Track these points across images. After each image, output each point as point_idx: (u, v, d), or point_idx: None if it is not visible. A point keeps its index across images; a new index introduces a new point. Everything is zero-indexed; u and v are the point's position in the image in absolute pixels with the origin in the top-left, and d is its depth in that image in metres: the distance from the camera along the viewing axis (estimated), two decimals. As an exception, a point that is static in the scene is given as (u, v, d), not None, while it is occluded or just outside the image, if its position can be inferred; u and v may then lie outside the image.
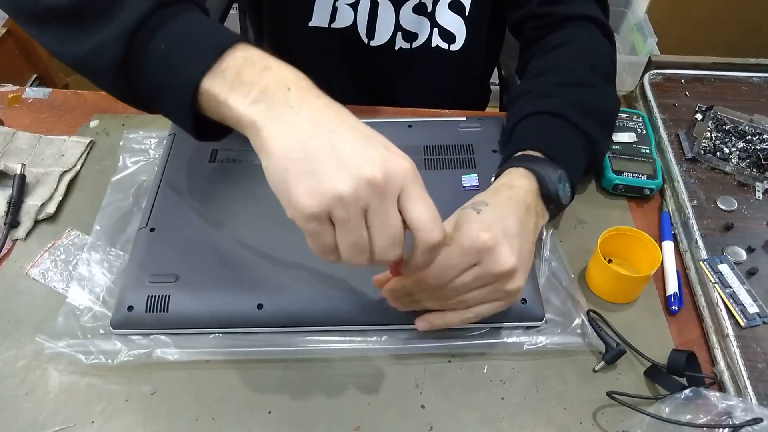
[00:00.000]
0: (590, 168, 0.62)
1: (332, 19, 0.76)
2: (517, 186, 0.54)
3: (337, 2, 0.74)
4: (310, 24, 0.76)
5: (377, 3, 0.74)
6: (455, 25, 0.77)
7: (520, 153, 0.58)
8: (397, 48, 0.78)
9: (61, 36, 0.48)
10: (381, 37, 0.77)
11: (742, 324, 0.54)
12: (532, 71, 0.68)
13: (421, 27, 0.77)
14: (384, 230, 0.39)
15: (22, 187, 0.63)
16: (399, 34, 0.77)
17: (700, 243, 0.60)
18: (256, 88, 0.41)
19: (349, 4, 0.75)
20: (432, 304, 0.50)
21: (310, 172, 0.38)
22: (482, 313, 0.50)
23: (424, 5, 0.75)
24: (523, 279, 0.49)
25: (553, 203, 0.55)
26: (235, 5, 1.01)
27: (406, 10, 0.75)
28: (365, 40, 0.78)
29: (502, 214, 0.50)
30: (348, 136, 0.39)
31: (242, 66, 0.42)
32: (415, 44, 0.78)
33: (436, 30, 0.77)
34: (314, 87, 0.43)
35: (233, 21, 1.00)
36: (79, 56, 0.47)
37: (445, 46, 0.78)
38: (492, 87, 0.98)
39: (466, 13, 0.76)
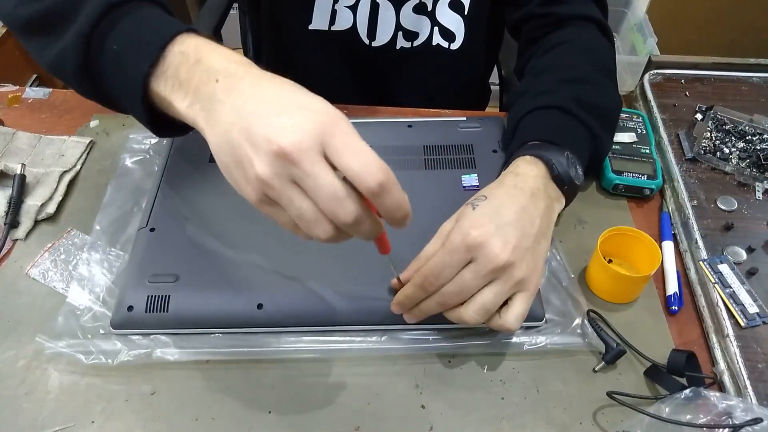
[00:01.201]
0: (593, 164, 0.62)
1: (332, 21, 0.76)
2: (522, 173, 0.54)
3: (336, 5, 0.74)
4: (310, 27, 0.76)
5: (377, 4, 0.75)
6: (455, 23, 0.77)
7: (524, 145, 0.58)
8: (398, 48, 0.78)
9: (38, 43, 0.50)
10: (382, 37, 0.78)
11: (742, 324, 0.54)
12: (532, 70, 0.68)
13: (422, 26, 0.77)
14: (320, 193, 0.37)
15: (22, 187, 0.63)
16: (400, 33, 0.77)
17: (700, 243, 0.60)
18: (190, 88, 0.42)
19: (349, 7, 0.75)
20: (438, 310, 0.50)
21: (238, 162, 0.38)
22: (498, 312, 0.49)
23: (425, 5, 0.75)
24: (527, 267, 0.48)
25: (566, 185, 0.55)
26: (235, 5, 1.01)
27: (407, 9, 0.75)
28: (366, 41, 0.78)
29: (500, 206, 0.50)
30: (258, 112, 0.38)
31: (179, 63, 0.43)
32: (416, 43, 0.78)
33: (436, 29, 0.77)
34: (243, 64, 0.42)
35: (233, 21, 0.99)
36: (51, 62, 0.49)
37: (445, 44, 0.78)
38: (492, 87, 0.98)
39: (466, 12, 0.76)
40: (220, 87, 0.40)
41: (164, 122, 0.47)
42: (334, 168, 0.37)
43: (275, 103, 0.38)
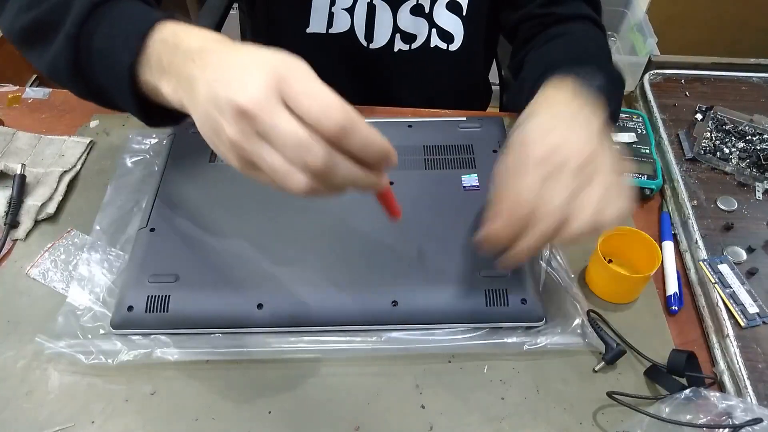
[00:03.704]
0: (617, 95, 0.61)
1: (329, 24, 0.76)
2: (551, 95, 0.53)
3: (333, 7, 0.75)
4: (308, 30, 0.76)
5: (374, 6, 0.75)
6: (453, 25, 0.77)
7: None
8: (396, 50, 0.78)
9: (35, 51, 0.52)
10: (379, 39, 0.77)
11: (742, 324, 0.54)
12: (530, 60, 0.69)
13: (419, 28, 0.77)
14: (285, 142, 0.36)
15: (22, 187, 0.63)
16: (397, 36, 0.77)
17: (700, 243, 0.60)
18: (173, 72, 0.43)
19: (346, 9, 0.75)
20: (541, 243, 0.45)
21: (215, 131, 0.38)
22: (604, 211, 0.44)
23: (422, 6, 0.75)
24: (609, 153, 0.46)
25: (603, 95, 0.53)
26: (235, 5, 1.01)
27: (404, 12, 0.75)
28: (364, 44, 0.78)
29: (556, 113, 0.49)
30: (222, 76, 0.38)
31: (160, 51, 0.44)
32: (414, 45, 0.78)
33: (434, 30, 0.77)
34: (215, 40, 0.42)
35: (233, 21, 0.99)
36: (48, 67, 0.51)
37: (444, 46, 0.78)
38: (492, 87, 0.98)
39: (464, 14, 0.76)
40: (195, 66, 0.41)
41: (159, 113, 0.48)
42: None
43: (237, 66, 0.38)
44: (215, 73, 0.39)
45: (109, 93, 0.49)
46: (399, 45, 0.78)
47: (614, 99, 0.59)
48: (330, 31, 0.76)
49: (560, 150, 0.44)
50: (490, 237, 0.46)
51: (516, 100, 0.66)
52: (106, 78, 0.47)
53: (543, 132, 0.46)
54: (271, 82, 0.36)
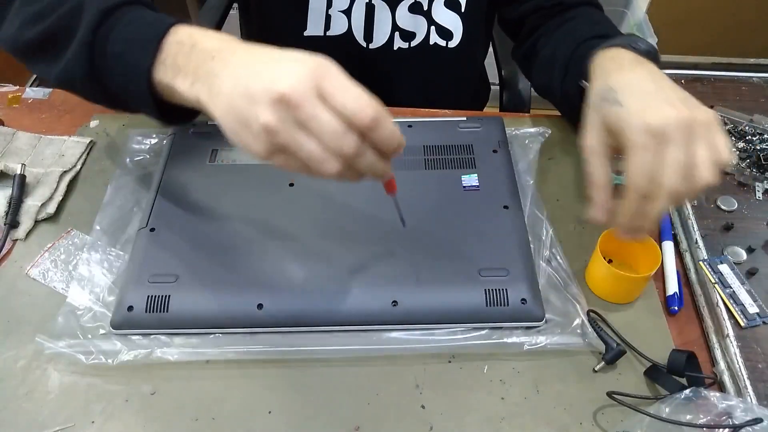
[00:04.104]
0: None
1: (327, 27, 0.76)
2: (617, 61, 0.54)
3: (330, 10, 0.75)
4: (306, 33, 0.76)
5: (373, 6, 0.75)
6: (452, 22, 0.77)
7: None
8: (395, 48, 0.78)
9: (45, 61, 0.54)
10: (379, 39, 0.78)
11: (742, 324, 0.54)
12: (553, 41, 0.70)
13: (418, 26, 0.77)
14: (323, 130, 0.40)
15: (22, 187, 0.63)
16: (396, 34, 0.77)
17: (700, 243, 0.60)
18: (190, 70, 0.46)
19: (342, 11, 0.75)
20: (668, 206, 0.47)
21: (244, 121, 0.41)
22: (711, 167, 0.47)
23: (420, 4, 0.75)
24: (701, 107, 0.48)
25: (653, 59, 0.55)
26: (235, 5, 1.01)
27: (402, 10, 0.75)
28: (363, 44, 0.78)
29: (631, 84, 0.50)
30: (253, 70, 0.41)
31: (176, 52, 0.47)
32: (414, 43, 0.78)
33: (433, 28, 0.78)
34: (232, 41, 0.45)
35: (233, 21, 0.99)
36: (59, 76, 0.53)
37: (443, 43, 0.79)
38: (492, 87, 0.98)
39: (462, 10, 0.76)
40: (216, 63, 0.44)
41: (171, 111, 0.51)
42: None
43: (267, 61, 0.42)
44: (243, 68, 0.42)
45: (125, 95, 0.51)
46: (398, 43, 0.78)
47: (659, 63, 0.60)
48: (328, 33, 0.76)
49: (664, 120, 0.46)
50: (619, 217, 0.48)
51: (546, 78, 0.69)
52: (123, 81, 0.49)
53: (638, 107, 0.47)
54: (311, 75, 0.40)
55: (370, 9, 0.75)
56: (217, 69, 0.43)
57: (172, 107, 0.50)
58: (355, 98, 0.40)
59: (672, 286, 0.58)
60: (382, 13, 0.75)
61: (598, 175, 0.50)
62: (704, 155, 0.46)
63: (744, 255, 0.60)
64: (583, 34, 0.65)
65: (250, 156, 0.42)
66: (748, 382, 0.50)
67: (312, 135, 0.40)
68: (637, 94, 0.49)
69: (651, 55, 0.56)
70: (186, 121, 0.54)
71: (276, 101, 0.39)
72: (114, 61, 0.49)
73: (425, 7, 0.76)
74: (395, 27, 0.77)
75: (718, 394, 0.48)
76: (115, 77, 0.50)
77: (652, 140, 0.46)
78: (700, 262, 0.59)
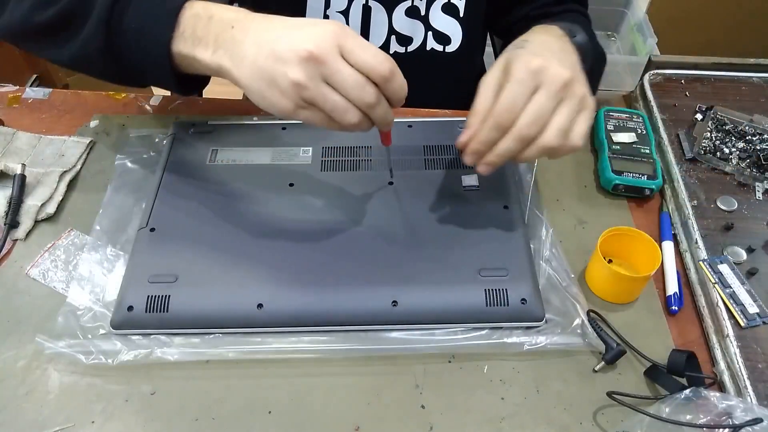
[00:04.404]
0: (597, 69, 0.69)
1: None
2: (538, 31, 0.59)
3: (327, 10, 0.75)
4: None
5: (369, 8, 0.74)
6: (450, 27, 0.77)
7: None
8: (391, 52, 0.78)
9: (56, 43, 0.56)
10: (375, 41, 0.77)
11: (742, 324, 0.54)
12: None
13: (416, 31, 0.77)
14: (347, 83, 0.45)
15: (22, 187, 0.63)
16: (393, 38, 0.77)
17: (700, 243, 0.60)
18: (210, 40, 0.50)
19: (341, 12, 0.75)
20: (528, 152, 0.51)
21: (271, 80, 0.46)
22: (569, 133, 0.51)
23: (417, 9, 0.75)
24: (584, 85, 0.52)
25: (582, 50, 0.58)
26: (236, 5, 1.01)
27: (399, 13, 0.75)
28: None
29: (544, 43, 0.55)
30: (275, 34, 0.46)
31: (194, 24, 0.50)
32: (411, 48, 0.78)
33: (430, 33, 0.77)
34: (247, 12, 0.50)
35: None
36: (74, 56, 0.55)
37: (440, 48, 0.79)
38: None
39: (461, 15, 0.76)
40: (236, 31, 0.48)
41: (185, 82, 0.54)
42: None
43: (288, 26, 0.47)
44: (265, 33, 0.47)
45: (142, 69, 0.54)
46: (395, 47, 0.78)
47: (592, 62, 0.64)
48: None
49: (542, 71, 0.49)
50: (471, 140, 0.52)
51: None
52: (142, 55, 0.52)
53: (529, 55, 0.51)
54: (333, 35, 0.45)
55: (366, 11, 0.75)
56: (239, 37, 0.48)
57: (186, 78, 0.54)
58: (374, 54, 0.46)
59: (672, 286, 0.58)
60: (379, 15, 0.75)
61: (480, 104, 0.51)
62: (562, 120, 0.50)
63: (744, 255, 0.60)
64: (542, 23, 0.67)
65: (278, 112, 0.47)
66: (748, 382, 0.50)
67: (336, 88, 0.45)
68: (540, 48, 0.54)
69: (581, 47, 0.59)
70: (198, 89, 0.59)
71: (304, 59, 0.44)
72: (132, 36, 0.52)
73: (423, 12, 0.76)
74: (392, 30, 0.76)
75: (718, 394, 0.48)
76: (133, 52, 0.52)
77: (527, 77, 0.49)
78: (700, 262, 0.59)
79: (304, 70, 0.44)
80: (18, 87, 0.78)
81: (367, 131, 0.50)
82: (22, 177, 0.64)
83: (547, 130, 0.50)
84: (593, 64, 0.64)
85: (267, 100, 0.47)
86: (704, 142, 0.70)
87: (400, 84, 0.48)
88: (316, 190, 0.63)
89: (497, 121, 0.50)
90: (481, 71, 0.95)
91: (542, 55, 0.51)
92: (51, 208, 0.63)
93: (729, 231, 0.62)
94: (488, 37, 0.95)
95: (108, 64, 0.54)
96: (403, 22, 0.76)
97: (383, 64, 0.46)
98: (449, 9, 0.76)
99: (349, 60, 0.45)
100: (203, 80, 0.58)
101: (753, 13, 1.69)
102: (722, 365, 0.53)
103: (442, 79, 0.83)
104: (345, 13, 0.75)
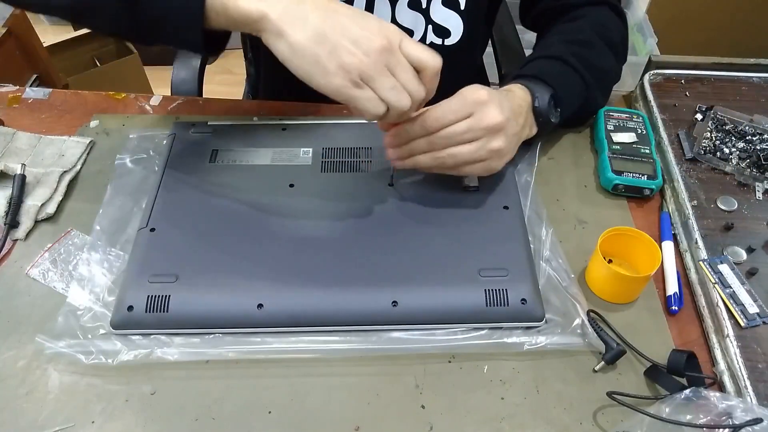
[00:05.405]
0: (582, 114, 0.73)
1: None
2: (513, 91, 0.64)
3: None
4: None
5: (373, 1, 0.75)
6: (450, 20, 0.77)
7: (520, 77, 0.67)
8: None
9: None
10: None
11: (742, 324, 0.54)
12: (542, 39, 0.76)
13: (417, 24, 0.77)
14: (405, 72, 0.51)
15: (22, 187, 0.63)
16: None
17: (700, 243, 0.60)
18: None
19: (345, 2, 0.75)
20: (425, 157, 0.58)
21: (332, 52, 0.49)
22: (464, 166, 0.58)
23: (419, 2, 0.75)
24: (508, 144, 0.58)
25: (541, 117, 0.65)
26: None
27: (402, 5, 0.76)
28: None
29: (500, 96, 0.59)
30: (349, 15, 0.51)
31: None
32: None
33: (430, 27, 0.78)
34: None
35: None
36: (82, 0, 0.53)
37: (439, 41, 0.79)
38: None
39: (462, 8, 0.76)
40: (307, 2, 0.51)
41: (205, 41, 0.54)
42: None
43: (355, 11, 0.52)
44: (330, 4, 0.51)
45: (163, 23, 0.53)
46: None
47: (583, 109, 0.71)
48: None
49: (481, 105, 0.56)
50: (397, 128, 0.58)
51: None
52: (167, 6, 0.52)
53: (486, 91, 0.57)
54: (396, 32, 0.51)
55: (370, 3, 0.75)
56: (308, 6, 0.50)
57: (206, 36, 0.53)
58: (427, 51, 0.52)
59: (672, 286, 0.58)
60: (383, 8, 0.75)
61: (424, 108, 0.57)
62: (469, 150, 0.56)
63: (744, 255, 0.60)
64: (535, 54, 0.72)
65: (324, 83, 0.49)
66: (748, 382, 0.50)
67: (395, 76, 0.51)
68: (500, 95, 0.58)
69: (540, 114, 0.65)
70: (214, 51, 0.58)
71: (380, 49, 0.49)
72: None
73: (424, 5, 0.76)
74: (394, 23, 0.77)
75: (718, 394, 0.48)
76: (156, 2, 0.52)
77: (467, 102, 0.56)
78: (700, 262, 0.59)
79: (374, 57, 0.49)
80: (18, 87, 0.78)
81: (399, 121, 0.55)
82: (22, 177, 0.64)
83: (449, 149, 0.56)
84: (579, 109, 0.70)
85: (318, 68, 0.49)
86: (704, 142, 0.70)
87: (436, 80, 0.54)
88: (316, 191, 0.63)
89: (426, 122, 0.56)
90: (481, 69, 0.95)
91: (493, 96, 0.56)
92: (51, 208, 0.63)
93: (729, 231, 0.62)
94: (489, 37, 0.95)
95: (122, 15, 0.52)
96: (405, 15, 0.76)
97: (435, 60, 0.52)
98: (449, 2, 0.76)
99: (406, 55, 0.51)
100: (222, 42, 0.57)
101: (753, 13, 1.69)
102: (722, 365, 0.53)
103: (442, 73, 0.83)
104: (350, 3, 0.75)
